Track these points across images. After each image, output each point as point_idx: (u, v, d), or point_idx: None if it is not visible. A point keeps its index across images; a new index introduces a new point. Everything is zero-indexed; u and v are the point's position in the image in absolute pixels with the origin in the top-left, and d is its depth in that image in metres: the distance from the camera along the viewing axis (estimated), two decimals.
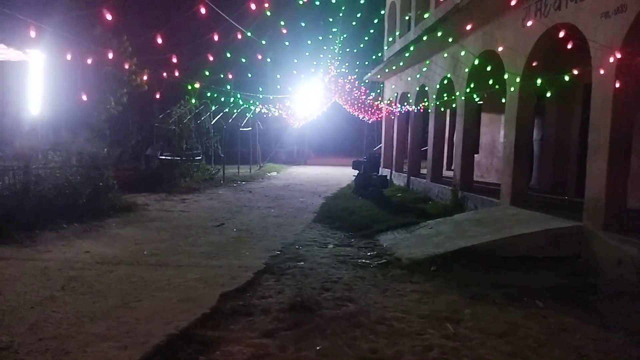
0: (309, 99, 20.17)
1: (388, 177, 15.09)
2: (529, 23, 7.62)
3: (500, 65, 8.76)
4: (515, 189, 8.31)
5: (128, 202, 10.33)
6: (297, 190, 15.35)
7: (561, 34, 6.81)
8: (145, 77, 10.38)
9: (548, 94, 7.43)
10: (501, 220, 7.39)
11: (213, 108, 16.13)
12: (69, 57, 5.67)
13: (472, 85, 10.18)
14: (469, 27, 8.54)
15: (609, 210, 5.97)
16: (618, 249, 5.59)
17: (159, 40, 5.12)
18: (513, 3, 6.86)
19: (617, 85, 5.75)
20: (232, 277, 5.55)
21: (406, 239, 7.60)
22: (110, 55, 8.11)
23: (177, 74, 5.91)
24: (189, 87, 10.06)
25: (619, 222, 5.92)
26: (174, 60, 5.54)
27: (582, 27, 6.42)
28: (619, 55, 5.62)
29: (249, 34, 6.42)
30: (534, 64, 7.82)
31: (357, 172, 14.21)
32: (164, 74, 6.48)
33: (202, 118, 16.35)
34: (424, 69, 12.86)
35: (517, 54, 8.00)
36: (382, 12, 17.48)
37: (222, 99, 14.82)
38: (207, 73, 9.75)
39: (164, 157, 14.64)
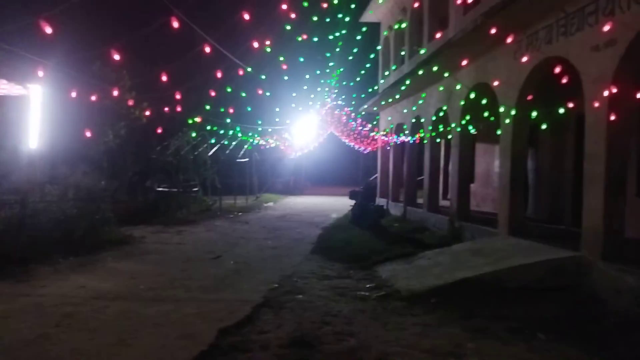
0: (306, 130, 20.40)
1: (385, 207, 15.10)
2: (521, 57, 7.82)
3: (494, 97, 8.93)
4: (512, 219, 8.32)
5: (124, 235, 10.26)
6: (294, 221, 15.31)
7: (553, 67, 6.99)
8: (147, 113, 10.50)
9: (543, 126, 7.56)
10: (500, 251, 7.37)
11: (213, 140, 16.26)
12: (73, 94, 5.74)
13: (466, 117, 10.33)
14: (462, 60, 8.75)
15: (607, 240, 5.98)
16: (618, 279, 5.56)
17: (163, 78, 5.22)
18: (509, 40, 7.02)
19: (611, 116, 5.86)
20: (231, 312, 5.47)
21: (405, 270, 7.54)
22: (115, 93, 8.21)
23: (179, 109, 6.00)
24: (190, 122, 10.18)
25: (617, 252, 5.92)
26: (177, 96, 5.64)
27: (573, 60, 6.59)
28: (611, 88, 5.75)
29: (249, 69, 6.56)
30: (527, 96, 7.98)
31: (353, 202, 14.22)
32: (166, 109, 6.57)
33: (200, 150, 16.45)
34: (419, 101, 13.08)
35: (510, 86, 8.17)
36: (378, 47, 17.90)
37: (221, 132, 14.96)
38: (207, 107, 9.88)
39: (161, 189, 14.63)
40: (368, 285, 6.88)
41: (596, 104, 6.05)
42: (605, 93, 5.87)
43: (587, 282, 6.08)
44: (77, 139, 10.75)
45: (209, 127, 14.09)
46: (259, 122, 15.58)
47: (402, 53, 15.35)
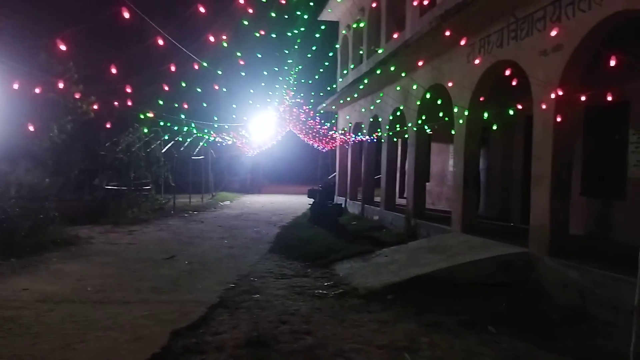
0: (263, 127, 20.19)
1: (343, 206, 15.19)
2: (474, 59, 8.05)
3: (448, 98, 9.16)
4: (465, 217, 8.57)
5: (70, 235, 9.78)
6: (252, 220, 15.12)
7: (504, 70, 7.23)
8: (95, 106, 9.99)
9: (494, 127, 7.82)
10: (453, 248, 7.57)
11: (166, 137, 15.73)
12: (15, 86, 5.36)
13: (423, 117, 10.55)
14: (418, 61, 8.90)
15: (553, 236, 6.25)
16: (563, 274, 5.83)
17: (113, 71, 4.97)
18: (463, 43, 7.20)
19: (557, 118, 6.12)
20: (184, 313, 5.31)
21: (362, 268, 7.61)
22: (61, 86, 7.75)
23: (130, 103, 5.73)
24: (142, 117, 9.77)
25: (562, 248, 6.20)
26: (128, 90, 5.38)
27: (522, 64, 6.84)
28: (557, 91, 6.01)
29: (205, 64, 6.38)
30: (479, 98, 8.23)
31: (312, 200, 14.21)
32: (116, 103, 6.26)
33: (152, 146, 15.90)
34: (377, 101, 13.24)
35: (464, 88, 8.40)
36: (337, 45, 17.98)
37: (175, 128, 14.52)
38: (160, 102, 9.52)
39: (110, 187, 14.04)
40: (326, 284, 6.89)
41: (543, 107, 6.31)
42: (552, 96, 6.12)
43: (534, 276, 6.34)
44: (20, 134, 10.11)
45: (162, 123, 13.64)
46: (215, 119, 15.23)
47: (361, 52, 15.49)
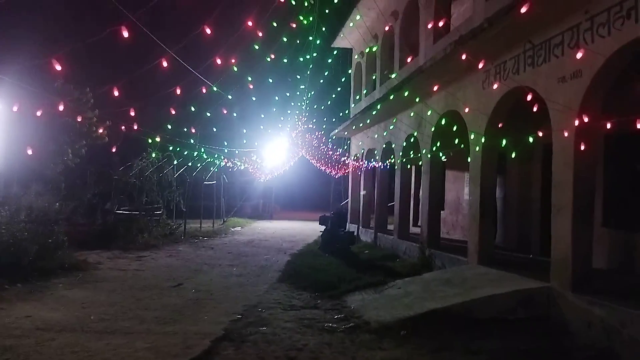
0: (276, 153, 20.18)
1: (355, 233, 14.92)
2: (490, 86, 7.90)
3: (463, 125, 8.98)
4: (482, 248, 8.26)
5: (79, 260, 9.67)
6: (262, 247, 14.91)
7: (520, 97, 7.05)
8: (101, 130, 10.05)
9: (513, 155, 7.59)
10: (470, 280, 7.25)
11: (176, 162, 15.75)
12: (38, 113, 5.36)
13: (437, 144, 10.36)
14: (432, 87, 8.80)
15: (575, 270, 5.93)
16: (587, 311, 5.49)
17: (118, 92, 4.92)
18: (478, 69, 7.07)
19: (577, 146, 5.89)
20: (187, 347, 5.09)
21: (375, 300, 7.31)
22: (70, 107, 7.81)
23: (135, 126, 5.66)
24: (149, 141, 9.75)
25: (586, 283, 5.87)
26: (132, 113, 5.33)
27: (540, 91, 6.66)
28: (577, 118, 5.80)
29: (214, 88, 6.34)
30: (495, 125, 8.04)
31: (323, 227, 13.97)
32: (122, 127, 6.21)
33: (165, 171, 15.94)
34: (390, 127, 13.12)
35: (479, 114, 8.23)
36: (349, 70, 18.04)
37: (186, 153, 14.52)
38: (169, 127, 9.51)
39: (121, 212, 14.00)
40: (336, 316, 6.61)
41: (563, 134, 6.09)
42: (572, 123, 5.92)
43: (556, 313, 6.00)
44: (34, 158, 10.18)
45: (171, 148, 13.65)
46: (225, 144, 15.22)
47: (374, 78, 15.49)
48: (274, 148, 19.71)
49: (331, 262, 11.00)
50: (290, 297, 7.80)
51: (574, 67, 5.94)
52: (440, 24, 9.84)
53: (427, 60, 9.59)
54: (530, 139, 6.96)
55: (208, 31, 4.55)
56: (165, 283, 8.60)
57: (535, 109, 6.63)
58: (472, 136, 8.51)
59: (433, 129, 10.35)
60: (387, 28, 13.56)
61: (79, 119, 9.31)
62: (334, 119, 18.38)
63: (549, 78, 6.45)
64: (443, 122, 9.71)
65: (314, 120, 18.67)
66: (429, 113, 10.28)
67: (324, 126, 18.99)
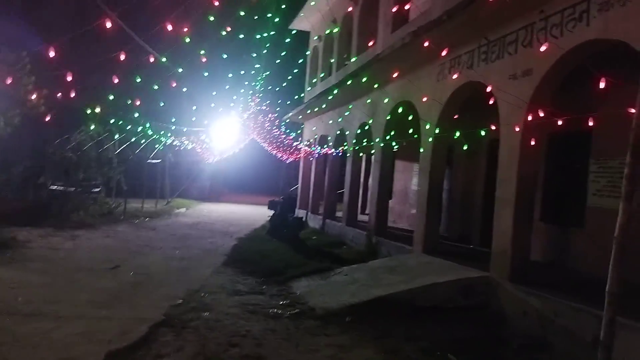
0: (226, 134, 19.62)
1: (304, 219, 14.87)
2: (444, 78, 8.00)
3: (417, 116, 9.08)
4: (427, 238, 8.44)
5: (6, 237, 8.96)
6: (207, 230, 14.53)
7: (473, 91, 7.19)
8: (34, 96, 9.23)
9: (464, 148, 7.74)
10: (415, 269, 7.39)
11: (118, 137, 14.87)
12: None
13: (390, 133, 10.43)
14: (388, 76, 8.80)
15: (514, 262, 6.17)
16: (523, 301, 5.73)
17: (55, 54, 4.45)
18: (434, 61, 7.12)
19: (524, 143, 6.08)
20: (123, 332, 4.82)
21: (321, 287, 7.30)
22: (4, 71, 7.09)
23: (73, 94, 5.19)
24: (89, 112, 9.05)
25: (523, 274, 6.13)
26: (69, 78, 4.86)
27: (492, 87, 6.80)
28: (525, 116, 5.97)
29: (163, 59, 5.95)
30: (447, 117, 8.17)
31: (272, 212, 13.81)
32: (59, 94, 5.68)
33: (105, 147, 15.04)
34: (345, 113, 13.08)
35: (433, 106, 8.33)
36: (307, 52, 17.77)
37: (129, 127, 13.71)
38: (111, 97, 8.83)
39: (55, 188, 13.10)
40: (282, 302, 6.53)
41: (511, 131, 6.27)
42: (520, 120, 6.09)
43: (495, 302, 6.23)
44: None
45: (113, 121, 12.81)
46: (173, 120, 14.52)
47: (331, 62, 15.35)
48: (224, 128, 19.14)
49: (278, 247, 10.90)
50: (235, 282, 7.63)
51: (526, 65, 6.10)
52: (399, 10, 9.83)
53: (385, 48, 9.58)
54: (481, 133, 7.13)
55: None
56: (101, 265, 8.14)
57: (485, 105, 6.78)
58: (425, 127, 8.62)
59: (387, 118, 10.41)
60: (346, 12, 13.42)
61: (11, 83, 8.50)
62: (288, 102, 18.07)
63: (501, 74, 6.60)
64: (397, 112, 9.77)
65: (268, 102, 18.28)
66: (384, 102, 10.31)
67: (278, 109, 18.66)
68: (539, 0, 5.67)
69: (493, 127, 6.57)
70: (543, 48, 5.46)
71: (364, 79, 10.00)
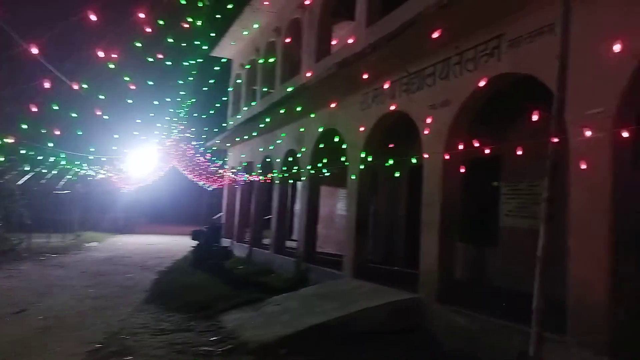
0: (144, 162, 18.65)
1: (229, 248, 14.43)
2: (368, 108, 8.29)
3: (342, 143, 9.28)
4: (357, 262, 8.55)
5: None
6: (123, 264, 13.55)
7: (395, 120, 7.52)
8: None
9: (397, 174, 8.00)
10: (346, 294, 7.42)
11: (25, 167, 13.51)
12: None
13: (317, 160, 10.54)
14: (314, 105, 8.96)
15: (441, 282, 6.43)
16: (451, 320, 5.96)
17: None
18: (358, 91, 7.36)
19: (445, 169, 6.44)
20: None
21: (253, 318, 7.05)
22: None
23: None
24: None
25: (450, 294, 6.39)
26: None
27: (413, 116, 7.18)
28: (445, 143, 6.35)
29: (84, 86, 5.55)
30: (372, 145, 8.44)
31: (196, 242, 13.24)
32: None
33: (7, 177, 13.60)
34: (272, 140, 13.05)
35: (357, 134, 8.58)
36: (230, 84, 17.59)
37: (40, 158, 12.55)
38: (24, 126, 8.02)
39: None
40: (212, 339, 6.20)
41: (433, 158, 6.62)
42: (441, 148, 6.46)
43: (424, 323, 6.41)
44: None
45: (23, 151, 11.69)
46: (92, 150, 13.55)
47: (254, 90, 15.33)
48: (143, 156, 18.19)
49: (204, 279, 10.42)
50: (159, 320, 7.13)
51: (444, 96, 6.52)
52: (323, 41, 10.12)
53: (310, 78, 9.77)
54: (403, 160, 7.44)
55: (93, 18, 3.92)
56: (4, 309, 7.22)
57: (406, 133, 7.12)
58: (351, 155, 8.83)
59: (313, 146, 10.54)
60: (269, 42, 13.57)
61: None
62: (215, 130, 17.63)
63: (422, 105, 6.99)
64: (323, 139, 9.94)
65: (192, 129, 17.71)
66: (310, 129, 10.44)
67: (204, 136, 18.12)
68: (455, 36, 6.12)
69: (415, 155, 6.89)
70: (459, 81, 5.89)
71: (288, 108, 10.09)
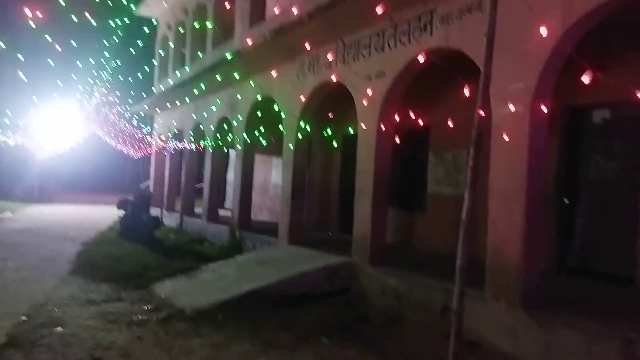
0: (63, 127, 17.34)
1: (159, 217, 14.02)
2: (304, 77, 8.30)
3: (278, 111, 9.25)
4: (292, 228, 8.72)
5: None
6: (44, 236, 12.72)
7: (331, 90, 7.61)
8: None
9: (334, 144, 8.12)
10: (282, 260, 7.59)
11: None
12: None
13: (252, 127, 10.43)
14: (248, 71, 8.79)
15: (373, 246, 6.77)
16: (382, 281, 6.34)
17: None
18: (294, 59, 7.34)
19: (379, 138, 6.68)
20: None
21: (188, 287, 7.02)
22: None
23: None
24: None
25: (381, 257, 6.77)
26: None
27: (348, 87, 7.31)
28: (380, 114, 6.57)
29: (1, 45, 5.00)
30: (308, 113, 8.51)
31: (123, 212, 12.70)
32: None
33: None
34: (203, 107, 12.66)
35: (294, 103, 8.59)
36: (159, 49, 16.65)
37: None
38: None
39: None
40: (146, 308, 6.12)
41: (367, 128, 6.83)
42: (375, 118, 6.68)
43: (357, 284, 6.76)
44: None
45: None
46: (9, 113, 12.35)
47: (185, 52, 14.66)
48: (61, 121, 16.87)
49: (133, 249, 10.11)
50: (87, 291, 6.87)
51: (379, 67, 6.68)
52: (257, 5, 9.87)
53: (243, 43, 9.53)
54: (337, 128, 7.61)
55: None
56: None
57: (342, 103, 7.26)
58: (288, 123, 8.84)
59: (247, 113, 10.40)
60: (199, 2, 12.95)
61: None
62: (143, 94, 16.67)
63: (357, 75, 7.12)
64: (258, 107, 9.83)
65: (117, 93, 16.64)
66: (244, 97, 10.27)
67: (130, 101, 17.10)
68: (390, 8, 6.23)
69: (350, 124, 7.07)
70: (393, 53, 6.07)
71: (222, 74, 9.82)
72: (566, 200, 6.68)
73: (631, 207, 5.88)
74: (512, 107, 4.62)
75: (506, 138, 4.73)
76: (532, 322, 4.43)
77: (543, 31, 4.17)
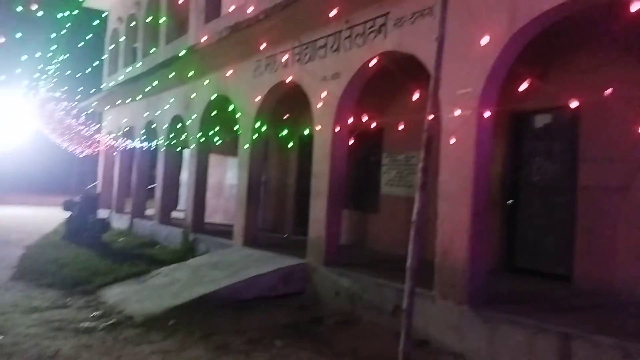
0: (4, 124, 16.34)
1: (107, 220, 13.49)
2: (261, 76, 8.23)
3: (234, 110, 9.12)
4: (247, 230, 8.62)
5: None
6: None
7: (287, 90, 7.58)
8: None
9: (290, 144, 8.07)
10: (237, 263, 7.49)
11: None
12: None
13: (206, 126, 10.23)
14: (203, 68, 8.62)
15: (328, 247, 6.79)
16: (336, 282, 6.39)
17: None
18: (250, 58, 7.26)
19: (334, 140, 6.72)
20: None
21: (137, 292, 6.81)
22: None
23: None
24: None
25: (335, 258, 6.80)
26: None
27: (305, 87, 7.31)
28: (334, 115, 6.61)
29: None
30: (264, 113, 8.43)
31: (69, 214, 12.13)
32: None
33: None
34: (155, 105, 12.28)
35: (250, 102, 8.49)
36: (111, 43, 16.02)
37: None
38: None
39: None
40: (93, 314, 5.89)
41: (323, 129, 6.86)
42: (330, 120, 6.72)
43: (312, 286, 6.78)
44: None
45: None
46: None
47: (136, 47, 14.18)
48: (2, 117, 15.89)
49: (79, 253, 9.69)
50: (30, 297, 6.53)
51: (335, 69, 6.73)
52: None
53: (198, 40, 9.33)
54: (293, 129, 7.59)
55: None
56: None
57: (298, 103, 7.25)
58: (243, 123, 8.74)
59: (203, 112, 10.18)
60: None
61: None
62: (92, 90, 15.96)
63: (313, 76, 7.13)
64: (213, 105, 9.65)
65: (65, 89, 15.82)
66: (198, 95, 10.05)
67: (78, 97, 16.30)
68: (345, 10, 6.30)
69: (306, 125, 7.07)
70: (348, 55, 6.12)
71: (176, 71, 9.59)
72: (509, 201, 6.98)
73: (569, 208, 6.22)
74: (460, 112, 4.77)
75: (454, 141, 4.88)
76: (477, 319, 4.59)
77: (488, 39, 4.33)
